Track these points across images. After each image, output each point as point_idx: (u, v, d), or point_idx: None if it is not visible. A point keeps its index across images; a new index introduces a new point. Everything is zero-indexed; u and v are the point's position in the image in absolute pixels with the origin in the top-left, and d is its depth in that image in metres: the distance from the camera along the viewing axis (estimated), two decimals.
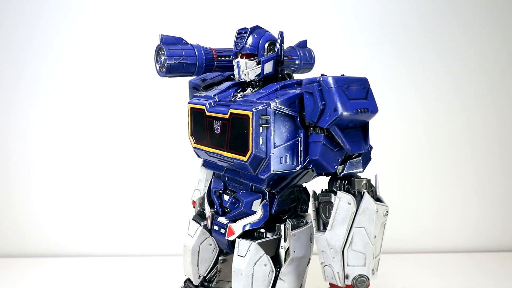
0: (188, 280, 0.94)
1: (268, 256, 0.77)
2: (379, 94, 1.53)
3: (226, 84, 0.88)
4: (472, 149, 1.50)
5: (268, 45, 0.81)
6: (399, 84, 1.46)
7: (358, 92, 0.71)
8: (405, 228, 1.49)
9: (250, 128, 0.72)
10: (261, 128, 0.72)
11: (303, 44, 1.00)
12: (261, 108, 0.72)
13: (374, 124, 1.56)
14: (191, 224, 0.92)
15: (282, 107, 0.72)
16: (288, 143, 0.74)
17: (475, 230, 1.52)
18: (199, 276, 0.92)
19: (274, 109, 0.71)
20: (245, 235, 0.80)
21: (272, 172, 0.73)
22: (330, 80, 0.69)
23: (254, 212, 0.79)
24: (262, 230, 0.79)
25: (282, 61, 0.82)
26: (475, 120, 1.49)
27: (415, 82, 1.46)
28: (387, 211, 0.72)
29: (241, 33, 0.81)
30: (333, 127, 0.69)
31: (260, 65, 0.80)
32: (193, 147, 0.89)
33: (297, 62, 0.95)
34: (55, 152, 1.45)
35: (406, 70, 1.46)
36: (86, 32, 1.41)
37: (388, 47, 1.45)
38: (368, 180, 0.73)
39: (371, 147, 0.77)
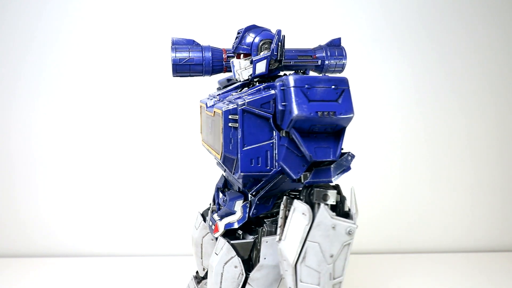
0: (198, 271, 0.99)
1: (240, 259, 0.76)
2: (379, 95, 1.46)
3: (236, 84, 0.89)
4: (472, 150, 1.50)
5: (262, 44, 0.79)
6: (399, 84, 1.46)
7: (326, 93, 0.64)
8: (404, 228, 1.50)
9: (221, 127, 0.72)
10: (231, 127, 0.72)
11: (335, 43, 0.94)
12: (231, 107, 0.71)
13: (374, 125, 1.45)
14: (198, 217, 0.96)
15: (252, 107, 0.70)
16: (260, 145, 0.71)
17: (475, 230, 1.52)
18: (204, 269, 0.95)
19: (243, 109, 0.70)
20: (227, 234, 0.80)
21: (240, 173, 0.71)
22: (290, 79, 0.64)
23: (235, 212, 0.79)
24: (240, 232, 0.78)
25: (279, 60, 0.79)
26: (475, 120, 1.48)
27: (415, 82, 1.45)
28: (350, 230, 0.63)
29: (239, 33, 0.82)
30: (292, 130, 0.64)
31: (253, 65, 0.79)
32: (202, 144, 0.93)
33: (321, 62, 0.90)
34: (58, 152, 1.43)
35: (407, 71, 1.45)
36: (94, 32, 1.38)
37: (388, 47, 1.43)
38: (334, 192, 0.65)
39: (352, 156, 0.68)
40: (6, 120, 1.41)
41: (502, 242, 1.54)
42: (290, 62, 0.88)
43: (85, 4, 1.37)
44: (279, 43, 0.78)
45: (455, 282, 1.24)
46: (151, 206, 1.46)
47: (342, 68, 0.93)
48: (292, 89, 0.63)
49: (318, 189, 0.65)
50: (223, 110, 0.71)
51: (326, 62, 0.89)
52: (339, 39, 0.94)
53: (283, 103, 0.65)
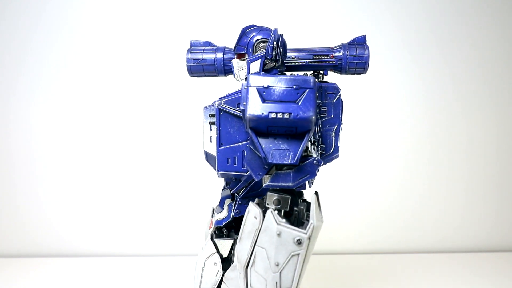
0: None
1: (219, 256, 0.77)
2: (382, 94, 1.43)
3: None
4: (471, 150, 1.48)
5: (258, 44, 0.78)
6: (398, 88, 1.43)
7: (285, 93, 0.61)
8: (406, 228, 1.49)
9: (203, 125, 0.74)
10: (210, 125, 0.73)
11: (358, 41, 0.87)
12: (210, 105, 0.73)
13: (373, 126, 1.44)
14: (209, 213, 0.98)
15: (228, 106, 0.70)
16: (237, 145, 0.71)
17: (475, 230, 1.51)
18: None
19: (219, 108, 0.71)
20: (218, 230, 0.81)
21: (217, 171, 0.72)
22: (249, 78, 0.63)
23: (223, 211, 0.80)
24: (225, 230, 0.79)
25: (276, 59, 0.77)
26: (476, 122, 1.46)
27: (414, 85, 1.43)
28: (299, 240, 0.58)
29: None
30: (249, 130, 0.63)
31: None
32: None
33: (339, 62, 0.85)
34: (58, 151, 1.41)
35: (407, 73, 1.42)
36: (95, 32, 1.36)
37: (390, 47, 1.40)
38: (287, 198, 0.61)
39: (318, 162, 0.63)
40: (7, 119, 1.38)
41: (505, 242, 1.53)
42: (304, 63, 0.85)
43: (86, 4, 1.35)
44: (274, 43, 0.76)
45: (455, 282, 1.23)
46: (152, 206, 1.44)
47: (363, 68, 0.86)
48: (248, 88, 0.62)
49: (270, 193, 0.62)
50: (204, 108, 0.73)
51: (348, 62, 0.84)
52: (364, 36, 0.87)
53: (244, 103, 0.64)
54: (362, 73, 0.87)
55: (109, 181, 1.43)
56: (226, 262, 0.77)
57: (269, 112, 0.60)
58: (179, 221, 1.45)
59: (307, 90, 0.61)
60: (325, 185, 1.45)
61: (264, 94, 0.61)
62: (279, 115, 0.59)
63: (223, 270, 0.76)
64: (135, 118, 1.41)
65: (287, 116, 0.59)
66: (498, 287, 1.19)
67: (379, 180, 1.48)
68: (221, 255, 0.77)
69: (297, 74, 0.67)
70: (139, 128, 1.41)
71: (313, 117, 0.60)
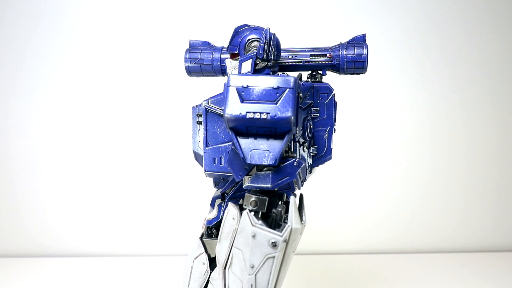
0: None
1: (207, 256, 0.77)
2: (382, 94, 1.43)
3: None
4: (472, 150, 1.48)
5: (249, 43, 0.77)
6: (398, 87, 1.44)
7: (264, 93, 0.60)
8: (406, 228, 1.50)
9: (191, 125, 0.74)
10: (198, 125, 0.73)
11: (358, 40, 0.85)
12: (198, 105, 0.73)
13: (373, 126, 1.44)
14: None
15: (215, 106, 0.70)
16: (223, 145, 0.71)
17: (475, 230, 1.52)
18: None
19: (206, 108, 0.71)
20: (209, 230, 0.81)
21: (204, 171, 0.72)
22: (229, 78, 0.62)
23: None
24: (214, 230, 0.79)
25: (267, 59, 0.76)
26: (475, 122, 1.46)
27: (415, 85, 1.43)
28: (274, 242, 0.57)
29: None
30: (229, 130, 0.62)
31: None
32: None
33: (336, 61, 0.83)
34: (58, 151, 1.41)
35: (407, 74, 1.43)
36: (94, 33, 1.37)
37: (390, 47, 1.40)
38: (264, 199, 0.60)
39: (299, 163, 0.62)
40: (7, 119, 1.39)
41: (505, 242, 1.54)
42: (301, 62, 0.84)
43: (86, 4, 1.36)
44: (266, 42, 0.76)
45: (455, 282, 1.22)
46: (152, 206, 1.45)
47: (362, 68, 0.83)
48: (227, 87, 0.62)
49: (248, 194, 0.61)
50: (192, 107, 0.74)
51: (346, 61, 0.82)
52: (363, 35, 0.84)
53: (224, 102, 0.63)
54: (361, 73, 0.84)
55: (109, 181, 1.45)
56: (214, 262, 0.77)
57: (247, 112, 0.59)
58: (177, 221, 1.46)
59: (287, 90, 0.59)
60: (325, 186, 1.44)
61: (243, 94, 0.60)
62: (257, 115, 0.58)
63: (210, 269, 0.76)
64: (134, 118, 1.42)
65: (265, 117, 0.58)
66: (498, 287, 1.18)
67: (379, 180, 1.47)
68: (209, 255, 0.77)
69: (281, 74, 0.66)
70: (138, 128, 1.43)
71: (292, 117, 0.58)
